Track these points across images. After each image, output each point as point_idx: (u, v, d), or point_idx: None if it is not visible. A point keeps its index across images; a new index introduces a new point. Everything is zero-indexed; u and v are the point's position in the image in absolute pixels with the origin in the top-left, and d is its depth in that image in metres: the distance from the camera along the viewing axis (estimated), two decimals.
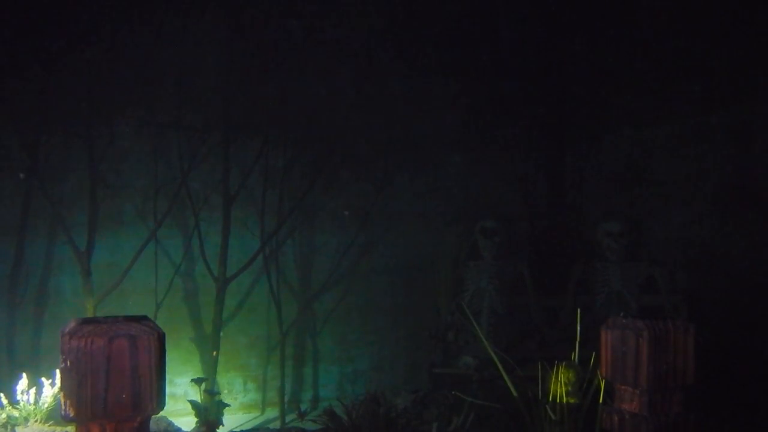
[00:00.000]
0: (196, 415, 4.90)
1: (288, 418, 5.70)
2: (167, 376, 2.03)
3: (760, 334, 4.78)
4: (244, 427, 5.21)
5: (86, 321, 1.84)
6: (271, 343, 6.05)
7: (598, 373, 2.70)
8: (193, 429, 4.84)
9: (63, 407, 1.82)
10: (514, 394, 3.48)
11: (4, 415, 4.10)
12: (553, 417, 3.28)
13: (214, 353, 5.49)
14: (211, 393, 5.10)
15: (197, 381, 5.13)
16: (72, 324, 1.84)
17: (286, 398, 5.96)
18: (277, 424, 5.53)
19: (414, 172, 6.64)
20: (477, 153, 6.74)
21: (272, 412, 5.99)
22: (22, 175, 5.23)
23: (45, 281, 5.46)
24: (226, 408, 5.12)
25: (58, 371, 2.00)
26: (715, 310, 5.23)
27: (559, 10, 6.42)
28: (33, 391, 4.22)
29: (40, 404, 4.22)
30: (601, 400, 3.00)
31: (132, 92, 5.40)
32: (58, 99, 5.21)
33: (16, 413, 4.16)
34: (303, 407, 4.74)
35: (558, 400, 3.27)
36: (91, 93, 5.22)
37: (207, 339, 5.65)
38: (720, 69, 5.41)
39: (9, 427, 4.06)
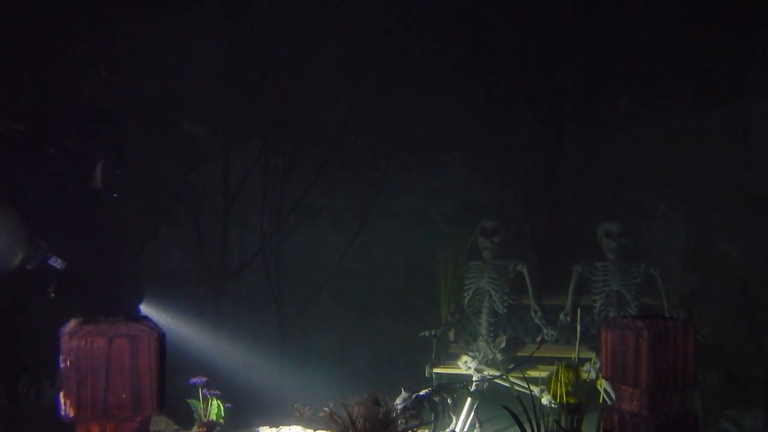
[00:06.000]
0: (196, 416, 4.90)
1: (288, 419, 5.69)
2: (167, 376, 2.03)
3: (760, 334, 4.78)
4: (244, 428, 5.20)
5: (86, 321, 1.84)
6: (270, 342, 6.05)
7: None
8: (193, 429, 4.84)
9: (63, 407, 1.82)
10: (515, 393, 3.48)
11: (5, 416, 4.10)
12: (553, 417, 3.28)
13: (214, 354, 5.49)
14: (211, 393, 5.10)
15: (197, 381, 5.13)
16: (72, 324, 1.83)
17: (286, 398, 5.96)
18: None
19: (414, 172, 6.64)
20: (477, 153, 6.74)
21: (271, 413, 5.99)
22: None
23: None
24: (226, 408, 5.12)
25: (58, 371, 2.00)
26: (715, 310, 5.23)
27: (559, 8, 6.42)
28: (32, 391, 4.22)
29: (41, 404, 4.22)
30: (600, 400, 3.00)
31: (132, 92, 5.41)
32: (57, 99, 5.21)
33: (15, 414, 4.15)
34: (303, 407, 4.74)
35: (558, 400, 3.27)
36: (91, 93, 5.22)
37: (208, 339, 5.65)
38: (719, 67, 5.41)
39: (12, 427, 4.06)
